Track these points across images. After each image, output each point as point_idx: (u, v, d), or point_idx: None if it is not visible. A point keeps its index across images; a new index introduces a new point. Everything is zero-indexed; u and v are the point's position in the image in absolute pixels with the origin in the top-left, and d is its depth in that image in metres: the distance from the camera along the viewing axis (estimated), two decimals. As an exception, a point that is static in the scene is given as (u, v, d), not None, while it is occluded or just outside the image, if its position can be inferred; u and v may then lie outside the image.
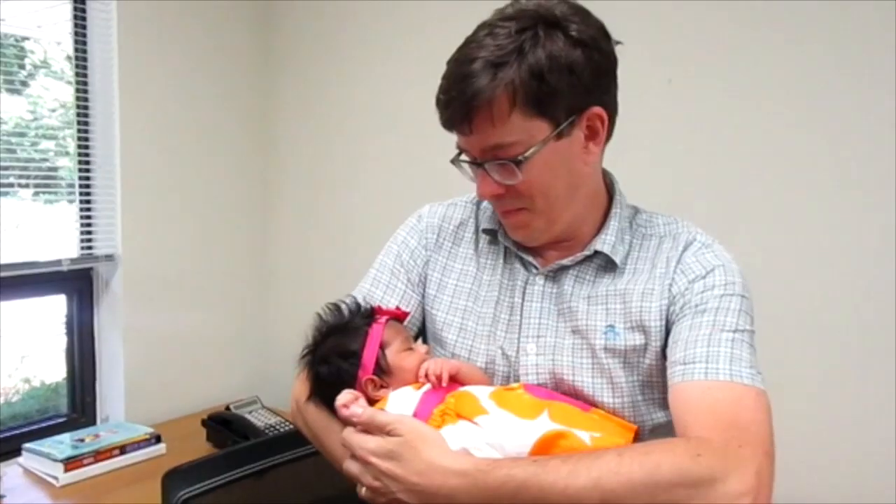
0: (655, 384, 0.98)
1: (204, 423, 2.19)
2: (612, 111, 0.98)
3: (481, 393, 0.93)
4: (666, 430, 1.00)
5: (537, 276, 1.05)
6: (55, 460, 1.89)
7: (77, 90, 2.22)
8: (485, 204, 1.13)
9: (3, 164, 2.09)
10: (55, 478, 1.88)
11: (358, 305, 1.05)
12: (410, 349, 1.01)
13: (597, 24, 0.96)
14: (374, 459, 0.85)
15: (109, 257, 2.27)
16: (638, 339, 0.98)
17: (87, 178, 2.26)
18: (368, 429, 0.89)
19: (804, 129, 1.69)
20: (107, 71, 2.23)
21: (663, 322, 0.98)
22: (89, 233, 2.26)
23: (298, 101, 2.64)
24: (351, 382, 0.97)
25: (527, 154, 0.92)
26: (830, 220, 1.66)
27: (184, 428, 2.26)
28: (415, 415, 0.90)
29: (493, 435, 0.85)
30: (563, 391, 0.98)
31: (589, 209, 1.04)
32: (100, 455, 1.95)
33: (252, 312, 2.68)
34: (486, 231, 1.11)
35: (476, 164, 0.97)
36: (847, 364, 1.64)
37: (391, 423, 0.86)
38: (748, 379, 0.88)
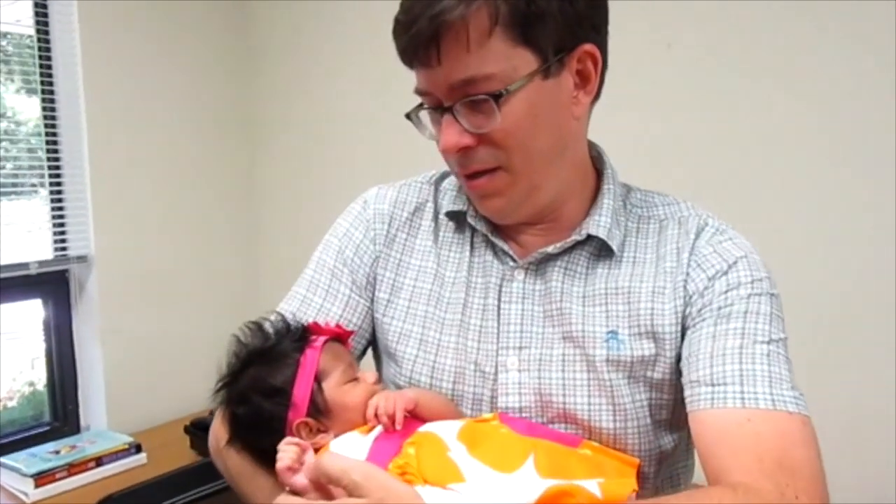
0: (666, 403, 0.81)
1: (186, 429, 2.07)
2: (604, 56, 0.80)
3: (448, 433, 0.72)
4: (674, 458, 0.85)
5: (516, 270, 0.85)
6: (24, 475, 1.79)
7: (42, 85, 2.10)
8: (447, 182, 0.93)
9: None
10: (25, 493, 1.78)
11: (287, 324, 0.83)
12: (355, 380, 0.80)
13: None
14: None
15: (82, 258, 2.15)
16: (647, 347, 0.80)
17: (58, 177, 2.15)
18: (317, 486, 0.66)
19: (811, 100, 1.59)
20: (70, 65, 2.11)
21: (678, 327, 0.80)
22: (62, 233, 2.15)
23: (282, 86, 2.50)
24: (279, 428, 0.76)
25: (510, 87, 0.73)
26: (835, 194, 1.58)
27: (167, 435, 2.15)
28: None
29: (477, 499, 0.66)
30: (552, 416, 0.81)
31: (576, 181, 0.85)
32: (74, 468, 1.85)
33: (238, 311, 2.51)
34: (449, 214, 0.90)
35: (441, 108, 0.77)
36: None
37: (352, 472, 0.62)
38: (793, 404, 0.73)
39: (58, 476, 1.81)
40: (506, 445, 0.72)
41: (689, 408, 0.76)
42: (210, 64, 2.45)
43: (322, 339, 0.80)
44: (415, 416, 0.76)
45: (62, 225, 2.15)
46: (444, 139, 0.77)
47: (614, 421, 0.79)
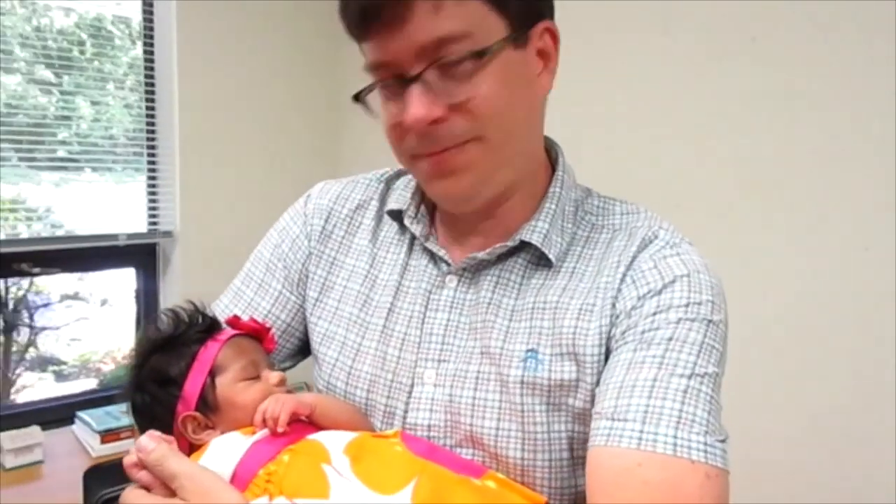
0: (579, 436, 0.71)
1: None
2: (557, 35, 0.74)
3: (335, 444, 0.68)
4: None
5: (448, 276, 0.78)
6: (94, 431, 1.94)
7: (145, 70, 2.26)
8: (401, 181, 0.87)
9: (78, 147, 2.18)
10: (92, 447, 1.93)
11: (200, 314, 0.79)
12: (255, 378, 0.76)
13: None
14: None
15: (168, 233, 2.29)
16: (567, 370, 0.70)
17: (154, 156, 2.30)
18: (155, 478, 0.65)
19: None
20: (168, 42, 2.25)
21: (602, 349, 0.70)
22: (155, 210, 2.30)
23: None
24: (168, 418, 0.73)
25: (491, 49, 0.66)
26: None
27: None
28: (234, 474, 0.66)
29: None
30: (459, 438, 0.74)
31: (527, 174, 0.77)
32: (138, 429, 1.98)
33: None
34: (391, 213, 0.84)
35: (405, 79, 0.68)
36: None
37: (180, 477, 0.63)
38: (698, 452, 0.62)
39: (122, 435, 1.95)
40: (393, 465, 0.67)
41: (588, 443, 0.66)
42: (300, 49, 2.52)
43: (229, 332, 0.78)
44: (312, 423, 0.72)
45: (155, 203, 2.30)
46: (414, 111, 0.67)
47: (523, 450, 0.71)
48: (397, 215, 0.84)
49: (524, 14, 0.70)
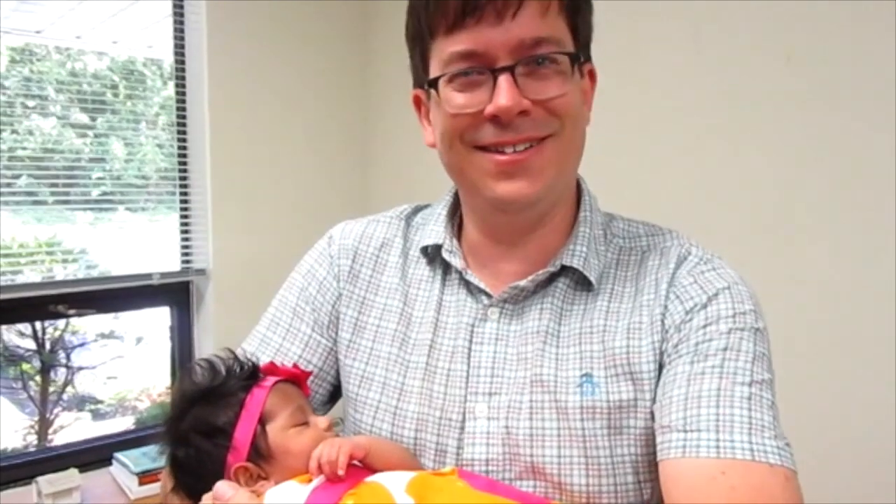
0: (644, 458, 0.71)
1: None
2: None
3: (395, 485, 0.66)
4: None
5: (490, 309, 0.78)
6: (132, 472, 1.93)
7: (177, 109, 2.29)
8: (420, 217, 0.89)
9: (110, 188, 2.21)
10: (130, 489, 1.91)
11: (239, 362, 0.77)
12: (304, 424, 0.74)
13: None
14: None
15: (201, 271, 2.30)
16: (624, 390, 0.71)
17: (186, 196, 2.32)
18: None
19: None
20: (199, 82, 2.27)
21: (656, 366, 0.72)
22: (188, 248, 2.31)
23: (397, 104, 2.53)
24: (218, 472, 0.70)
25: (580, 56, 0.73)
26: None
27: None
28: None
29: None
30: (519, 471, 0.72)
31: (568, 192, 0.80)
32: (175, 470, 1.96)
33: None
34: (423, 250, 0.84)
35: (496, 69, 0.69)
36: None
37: None
38: (775, 456, 0.64)
39: (160, 476, 1.93)
40: (458, 501, 0.65)
41: (658, 456, 0.67)
42: (328, 84, 2.53)
43: (272, 379, 0.76)
44: (366, 467, 0.70)
45: (187, 241, 2.31)
46: (505, 98, 0.69)
47: (587, 476, 0.70)
48: (433, 250, 0.83)
49: (585, 47, 0.76)
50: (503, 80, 0.69)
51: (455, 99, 0.72)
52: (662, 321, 0.73)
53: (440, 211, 0.86)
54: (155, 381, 2.46)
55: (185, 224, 2.32)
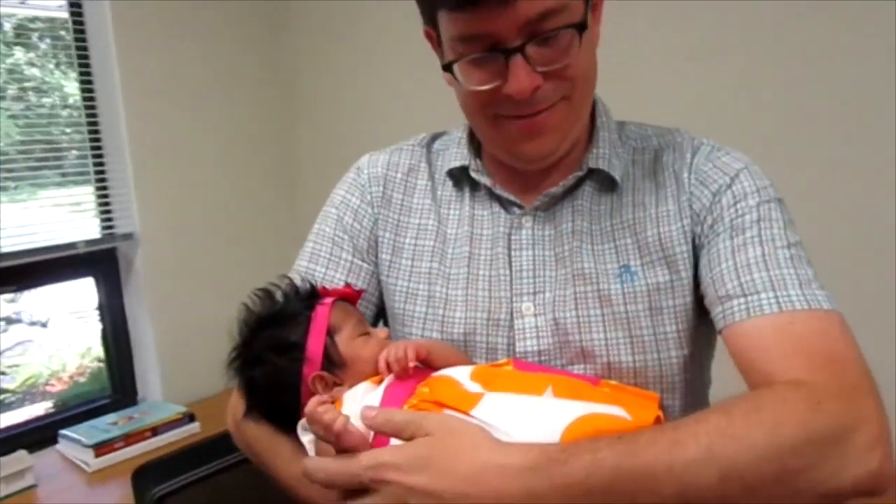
0: (685, 333, 0.80)
1: (237, 398, 2.12)
2: None
3: (461, 375, 0.72)
4: (691, 394, 0.82)
5: (524, 217, 0.85)
6: (85, 446, 1.87)
7: (80, 67, 2.15)
8: (439, 143, 0.95)
9: (18, 154, 2.05)
10: (87, 463, 1.86)
11: (295, 287, 0.83)
12: (367, 334, 0.80)
13: None
14: (394, 476, 0.60)
15: (128, 236, 2.21)
16: (661, 274, 0.80)
17: (100, 158, 2.20)
18: (381, 434, 0.65)
19: None
20: (104, 47, 2.14)
21: (689, 247, 0.80)
22: (108, 213, 2.21)
23: (322, 59, 2.49)
24: (295, 384, 0.76)
25: (586, 20, 0.73)
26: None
27: (221, 405, 2.21)
28: None
29: (504, 423, 0.63)
30: (570, 356, 0.80)
31: (583, 122, 0.86)
32: (130, 438, 1.92)
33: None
34: (451, 172, 0.89)
35: (506, 50, 0.72)
36: None
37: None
38: (826, 302, 0.72)
39: (116, 446, 1.89)
40: (521, 381, 0.72)
41: (722, 324, 0.75)
42: (248, 36, 2.45)
43: (331, 298, 0.81)
44: (427, 366, 0.76)
45: (107, 205, 2.20)
46: (518, 82, 0.72)
47: (633, 354, 0.79)
48: (459, 172, 0.89)
49: None
50: (515, 62, 0.72)
51: (471, 78, 0.76)
52: (690, 206, 0.81)
53: (460, 135, 0.91)
54: (70, 360, 2.34)
55: (103, 190, 2.20)
